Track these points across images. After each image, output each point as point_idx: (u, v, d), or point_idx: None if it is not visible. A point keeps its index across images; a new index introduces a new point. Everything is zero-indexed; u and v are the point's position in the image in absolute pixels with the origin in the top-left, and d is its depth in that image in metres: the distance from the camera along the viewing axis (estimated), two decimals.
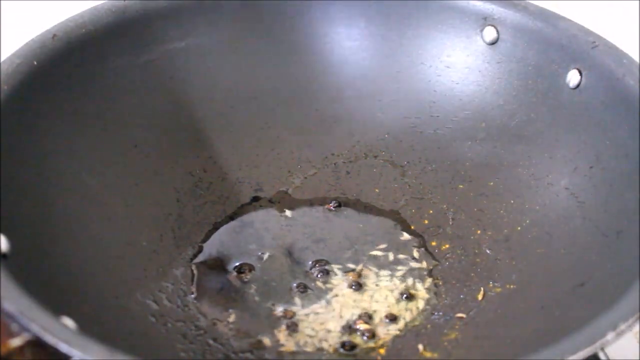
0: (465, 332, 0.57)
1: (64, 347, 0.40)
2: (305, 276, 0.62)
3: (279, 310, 0.59)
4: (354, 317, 0.59)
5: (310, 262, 0.63)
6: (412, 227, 0.66)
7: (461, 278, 0.61)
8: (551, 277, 0.57)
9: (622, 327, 0.43)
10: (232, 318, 0.58)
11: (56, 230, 0.55)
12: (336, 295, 0.60)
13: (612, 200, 0.57)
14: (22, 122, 0.56)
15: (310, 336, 0.57)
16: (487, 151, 0.66)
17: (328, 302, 0.60)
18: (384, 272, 0.62)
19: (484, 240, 0.63)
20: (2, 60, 0.57)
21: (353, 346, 0.57)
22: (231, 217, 0.66)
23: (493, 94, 0.66)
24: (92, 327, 0.44)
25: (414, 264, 0.63)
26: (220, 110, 0.69)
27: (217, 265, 0.62)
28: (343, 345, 0.57)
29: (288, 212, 0.67)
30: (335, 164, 0.70)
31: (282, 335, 0.57)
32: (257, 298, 0.60)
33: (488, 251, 0.63)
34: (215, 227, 0.65)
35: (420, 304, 0.60)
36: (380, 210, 0.67)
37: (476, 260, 0.62)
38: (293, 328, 0.58)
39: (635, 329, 0.59)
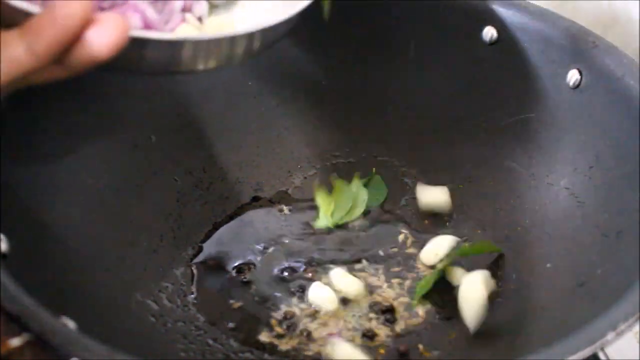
0: (465, 332, 0.57)
1: (64, 347, 0.40)
2: (305, 276, 0.62)
3: (279, 310, 0.59)
4: (354, 317, 0.59)
5: (310, 262, 0.63)
6: (412, 227, 0.66)
7: None
8: (551, 277, 0.57)
9: (622, 327, 0.43)
10: (231, 318, 0.58)
11: (56, 230, 0.55)
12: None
13: (612, 200, 0.57)
14: (22, 122, 0.56)
15: (310, 336, 0.57)
16: (487, 151, 0.66)
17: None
18: (384, 272, 0.62)
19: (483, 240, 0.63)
20: None
21: (374, 335, 0.57)
22: (231, 217, 0.66)
23: (493, 94, 0.66)
24: (92, 327, 0.44)
25: (414, 264, 0.63)
26: (220, 110, 0.69)
27: (217, 265, 0.62)
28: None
29: (288, 212, 0.67)
30: (335, 164, 0.70)
31: (281, 335, 0.57)
32: (257, 298, 0.60)
33: None
34: (215, 227, 0.65)
35: (421, 304, 0.60)
36: (380, 210, 0.67)
37: (477, 260, 0.62)
38: (292, 328, 0.58)
39: (635, 329, 0.59)
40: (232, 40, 0.44)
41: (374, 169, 0.69)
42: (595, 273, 0.54)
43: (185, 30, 0.50)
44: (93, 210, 0.59)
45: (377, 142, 0.70)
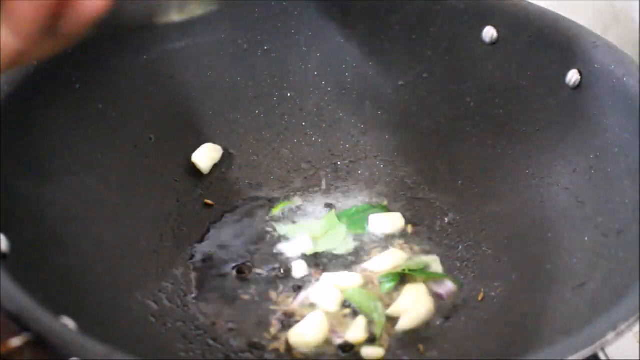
0: (465, 332, 0.57)
1: (64, 347, 0.40)
2: (304, 276, 0.62)
3: (278, 310, 0.59)
4: (354, 317, 0.59)
5: (310, 263, 0.63)
6: (412, 227, 0.66)
7: (461, 278, 0.61)
8: (551, 277, 0.57)
9: (622, 327, 0.43)
10: (231, 318, 0.58)
11: (56, 230, 0.55)
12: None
13: (612, 200, 0.57)
14: (22, 122, 0.56)
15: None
16: (487, 151, 0.66)
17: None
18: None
19: (484, 240, 0.63)
20: None
21: (352, 347, 0.57)
22: (231, 217, 0.66)
23: (493, 94, 0.66)
24: (92, 327, 0.44)
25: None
26: (220, 110, 0.69)
27: (217, 265, 0.62)
28: (343, 346, 0.57)
29: (288, 212, 0.67)
30: (335, 164, 0.70)
31: (281, 335, 0.57)
32: (257, 298, 0.60)
33: (488, 251, 0.63)
34: (215, 227, 0.65)
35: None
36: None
37: (476, 260, 0.62)
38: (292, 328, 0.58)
39: (635, 329, 0.59)
40: None
41: (386, 202, 0.68)
42: (595, 273, 0.54)
43: None
44: (93, 210, 0.59)
45: (376, 142, 0.70)
